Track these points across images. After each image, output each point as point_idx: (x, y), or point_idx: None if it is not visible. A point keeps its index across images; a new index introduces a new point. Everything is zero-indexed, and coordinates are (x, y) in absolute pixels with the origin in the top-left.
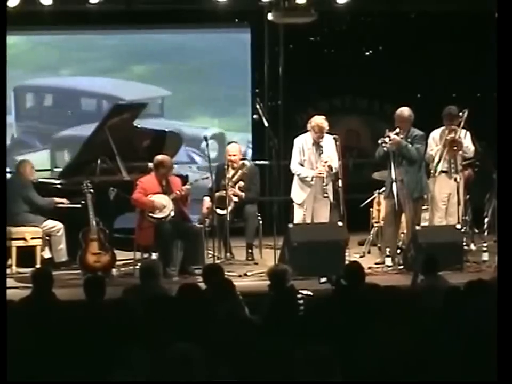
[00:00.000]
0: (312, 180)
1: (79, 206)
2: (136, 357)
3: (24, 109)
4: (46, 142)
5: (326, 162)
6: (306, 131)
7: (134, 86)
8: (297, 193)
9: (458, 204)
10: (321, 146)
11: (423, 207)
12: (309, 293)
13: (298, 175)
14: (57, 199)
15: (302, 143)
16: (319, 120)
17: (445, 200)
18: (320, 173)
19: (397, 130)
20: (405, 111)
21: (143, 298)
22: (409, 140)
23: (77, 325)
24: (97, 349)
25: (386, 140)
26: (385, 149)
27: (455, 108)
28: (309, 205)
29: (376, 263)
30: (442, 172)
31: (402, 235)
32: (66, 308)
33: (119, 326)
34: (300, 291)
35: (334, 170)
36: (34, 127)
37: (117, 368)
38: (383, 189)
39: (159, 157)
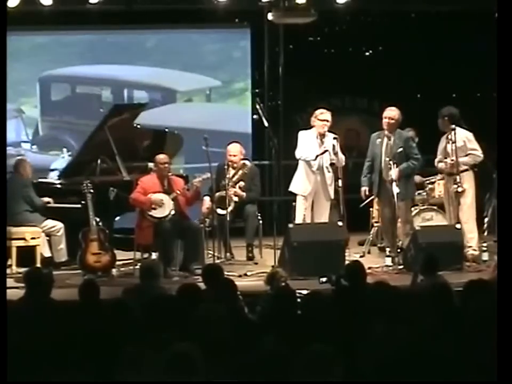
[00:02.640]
0: (316, 159)
1: (79, 206)
2: (137, 357)
3: (52, 101)
4: (80, 139)
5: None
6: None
7: (181, 76)
8: (302, 183)
9: (458, 204)
10: (324, 135)
11: (423, 207)
12: (305, 292)
13: (304, 158)
14: (46, 199)
15: (307, 135)
16: (322, 110)
17: (450, 202)
18: (326, 150)
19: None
20: (391, 111)
21: (143, 298)
22: (399, 142)
23: (72, 325)
24: (96, 350)
25: None
26: None
27: (453, 108)
28: (309, 201)
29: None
30: (446, 174)
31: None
32: (61, 308)
33: (119, 326)
34: (298, 291)
35: (340, 157)
36: (65, 122)
37: (116, 368)
38: None
39: (161, 156)
